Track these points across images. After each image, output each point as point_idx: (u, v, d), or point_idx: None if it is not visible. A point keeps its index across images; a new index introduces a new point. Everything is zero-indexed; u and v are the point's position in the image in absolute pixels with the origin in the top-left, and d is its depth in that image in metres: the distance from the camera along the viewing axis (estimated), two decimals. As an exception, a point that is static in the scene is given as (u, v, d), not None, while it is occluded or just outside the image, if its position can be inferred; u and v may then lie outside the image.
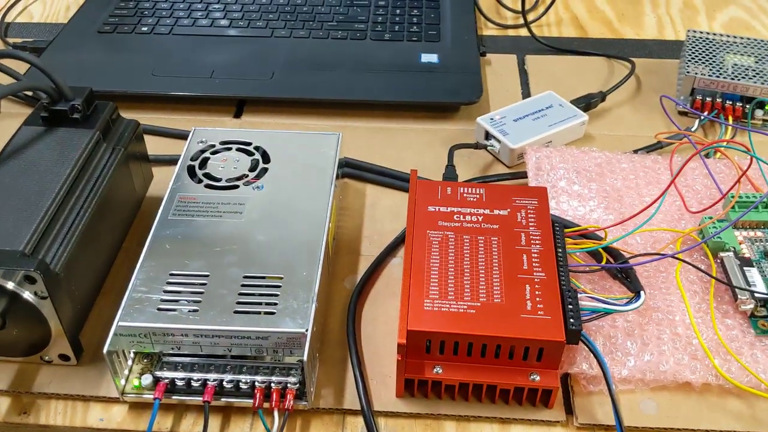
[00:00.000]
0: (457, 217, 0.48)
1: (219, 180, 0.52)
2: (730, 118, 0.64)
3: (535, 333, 0.41)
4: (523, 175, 0.59)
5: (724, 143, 0.60)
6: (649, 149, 0.62)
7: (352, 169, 0.60)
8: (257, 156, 0.54)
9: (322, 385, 0.45)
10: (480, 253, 0.45)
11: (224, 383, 0.42)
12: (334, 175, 0.52)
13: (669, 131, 0.63)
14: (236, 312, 0.42)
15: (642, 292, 0.46)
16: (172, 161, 0.60)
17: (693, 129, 0.64)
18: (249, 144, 0.55)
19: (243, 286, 0.44)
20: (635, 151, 0.61)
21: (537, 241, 0.46)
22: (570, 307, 0.43)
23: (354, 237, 0.55)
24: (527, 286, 0.43)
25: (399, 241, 0.54)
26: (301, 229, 0.48)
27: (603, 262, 0.49)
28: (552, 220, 0.48)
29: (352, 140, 0.63)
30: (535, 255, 0.45)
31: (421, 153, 0.62)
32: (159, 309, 0.42)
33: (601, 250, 0.49)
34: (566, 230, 0.49)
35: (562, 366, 0.43)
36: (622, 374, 0.44)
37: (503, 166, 0.62)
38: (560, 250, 0.47)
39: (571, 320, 0.42)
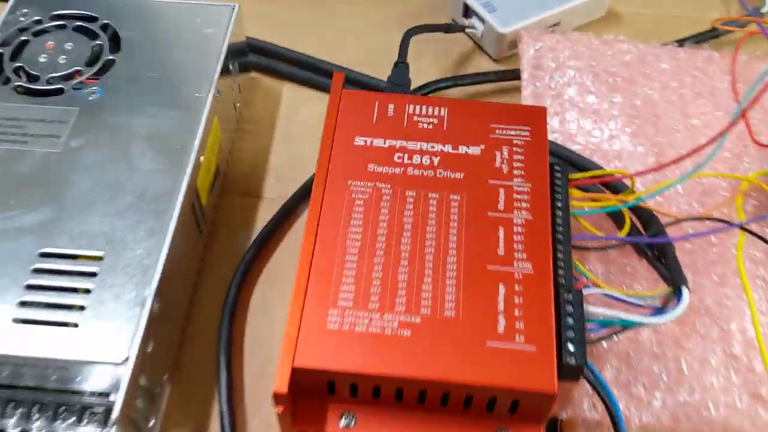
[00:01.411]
0: (399, 156, 0.30)
1: (36, 79, 0.33)
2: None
3: (508, 378, 0.24)
4: (514, 75, 0.40)
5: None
6: (700, 39, 0.43)
7: (262, 59, 0.41)
8: (102, 40, 0.35)
9: (173, 423, 0.29)
10: (429, 224, 0.28)
11: (1, 434, 0.26)
12: (217, 74, 0.34)
13: (729, 17, 0.44)
14: (17, 320, 0.26)
15: (684, 290, 0.29)
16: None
17: (764, 10, 0.44)
18: (94, 20, 0.36)
19: (35, 272, 0.27)
20: (680, 43, 0.42)
21: (524, 203, 0.29)
22: (570, 322, 0.26)
23: (255, 168, 0.37)
24: (501, 286, 0.26)
25: (319, 179, 0.36)
26: (150, 168, 0.30)
27: (625, 231, 0.31)
28: (551, 163, 0.30)
29: (264, 17, 0.43)
30: (519, 228, 0.28)
31: (367, 37, 0.43)
32: None
33: (625, 210, 0.31)
34: (572, 177, 0.31)
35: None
36: (642, 420, 0.28)
37: (487, 58, 0.43)
38: (561, 215, 0.29)
39: (570, 348, 0.25)
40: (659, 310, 0.28)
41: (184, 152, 0.30)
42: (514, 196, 0.29)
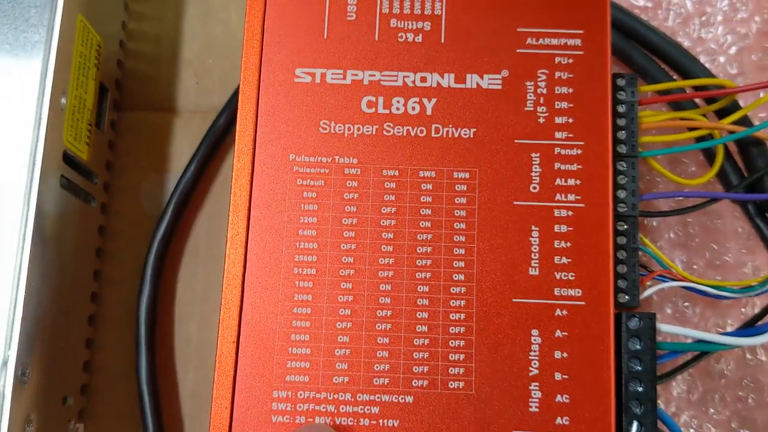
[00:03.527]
0: (369, 102, 0.18)
1: None
2: None
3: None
4: None
5: None
6: None
7: None
8: None
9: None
10: (421, 230, 0.18)
11: None
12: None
13: None
14: None
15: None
16: None
17: None
18: None
19: None
20: None
21: (572, 179, 0.18)
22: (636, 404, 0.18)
23: (161, 63, 0.25)
24: (535, 332, 0.17)
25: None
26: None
27: (713, 172, 0.21)
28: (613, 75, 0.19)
29: None
30: (564, 227, 0.18)
31: None
32: None
33: (720, 147, 0.20)
34: (643, 89, 0.20)
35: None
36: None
37: None
38: (626, 192, 0.19)
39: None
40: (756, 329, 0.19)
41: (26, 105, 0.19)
42: (557, 166, 0.18)
